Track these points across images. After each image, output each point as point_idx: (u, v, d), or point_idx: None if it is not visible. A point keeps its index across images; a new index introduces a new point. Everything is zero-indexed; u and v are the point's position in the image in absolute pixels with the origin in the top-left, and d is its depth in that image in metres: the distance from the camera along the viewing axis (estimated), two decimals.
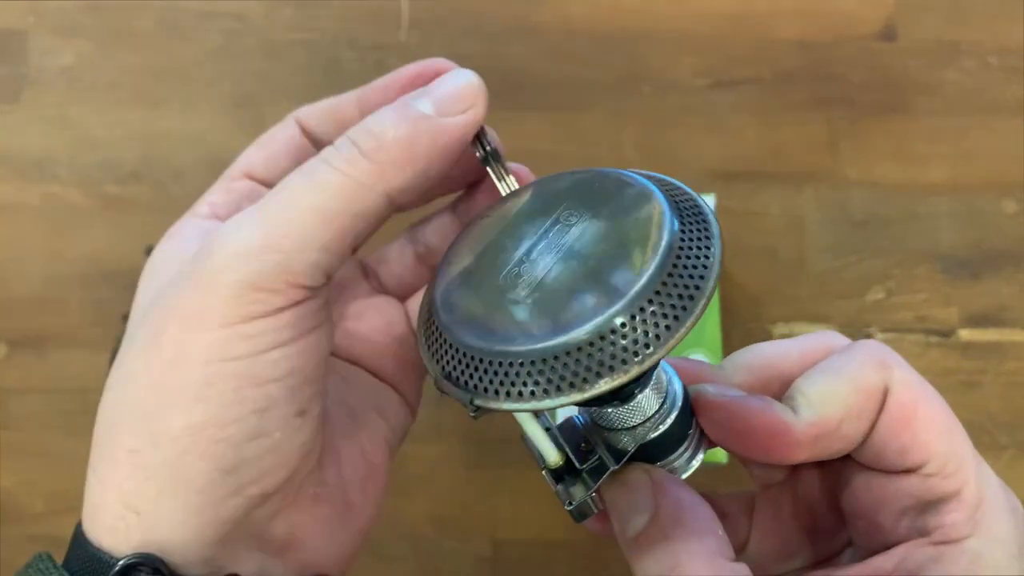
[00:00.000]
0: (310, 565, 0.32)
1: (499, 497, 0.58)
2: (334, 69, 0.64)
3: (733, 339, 0.57)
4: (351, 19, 0.65)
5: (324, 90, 0.64)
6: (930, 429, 0.30)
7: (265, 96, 0.64)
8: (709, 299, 0.26)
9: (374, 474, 0.34)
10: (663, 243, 0.27)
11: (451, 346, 0.29)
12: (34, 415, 0.59)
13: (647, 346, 0.26)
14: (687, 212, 0.29)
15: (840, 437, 0.31)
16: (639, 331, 0.26)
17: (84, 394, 0.58)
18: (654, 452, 0.32)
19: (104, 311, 0.60)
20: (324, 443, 0.32)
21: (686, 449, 0.33)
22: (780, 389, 0.32)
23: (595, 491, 0.31)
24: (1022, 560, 0.30)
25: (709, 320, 0.54)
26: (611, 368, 0.26)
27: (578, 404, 0.28)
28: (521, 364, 0.27)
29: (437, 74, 0.33)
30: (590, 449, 0.32)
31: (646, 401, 0.31)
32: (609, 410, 0.31)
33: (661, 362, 0.32)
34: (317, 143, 0.37)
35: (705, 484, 0.33)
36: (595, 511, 0.32)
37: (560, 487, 0.32)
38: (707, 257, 0.27)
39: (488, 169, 0.35)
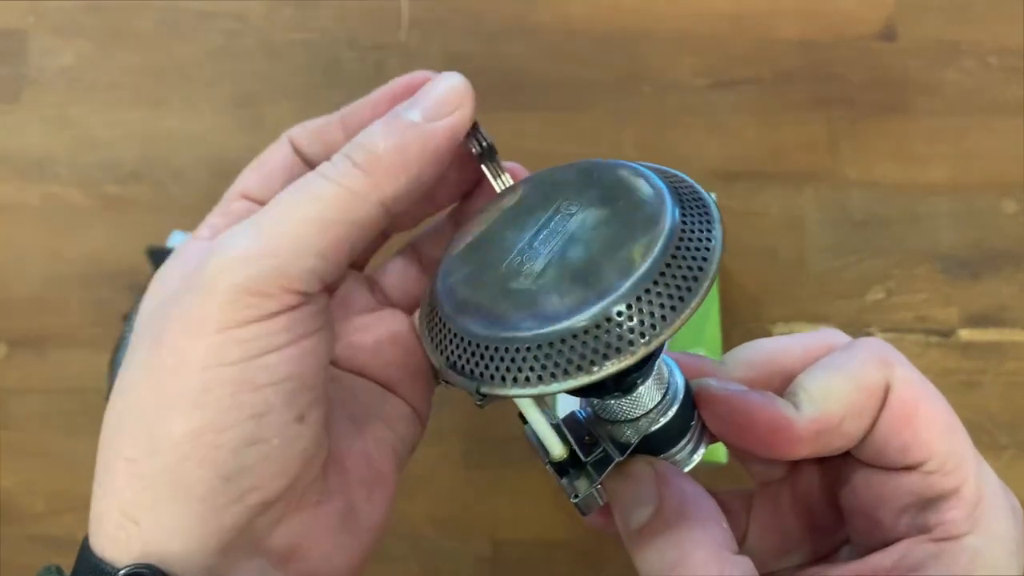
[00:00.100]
0: (315, 574, 0.32)
1: (499, 497, 0.58)
2: (334, 69, 0.64)
3: (733, 339, 0.57)
4: (351, 19, 0.65)
5: (324, 90, 0.65)
6: (931, 427, 0.30)
7: (265, 96, 0.64)
8: (712, 281, 0.27)
9: (380, 483, 0.34)
10: (665, 227, 0.27)
11: (455, 335, 0.29)
12: (34, 415, 0.59)
13: (653, 327, 0.26)
14: (687, 198, 0.29)
15: (841, 434, 0.31)
16: (645, 313, 0.26)
17: (84, 394, 0.58)
18: (657, 444, 0.32)
19: (104, 311, 0.60)
20: (328, 451, 0.32)
21: (688, 441, 0.33)
22: (782, 385, 0.32)
23: (599, 483, 0.31)
24: (1020, 557, 0.30)
25: (709, 320, 0.54)
26: (618, 350, 0.26)
27: (584, 390, 0.28)
28: (528, 349, 0.27)
29: (422, 84, 0.34)
30: (594, 442, 0.32)
31: (647, 393, 0.31)
32: (611, 402, 0.31)
33: (663, 356, 0.32)
34: (309, 163, 0.37)
35: (705, 484, 0.33)
36: (600, 504, 0.32)
37: (565, 480, 0.32)
38: (709, 240, 0.28)
39: (484, 168, 0.35)
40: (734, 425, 0.32)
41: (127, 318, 0.57)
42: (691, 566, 0.29)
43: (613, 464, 0.31)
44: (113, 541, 0.29)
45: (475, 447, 0.58)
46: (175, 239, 0.59)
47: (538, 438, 0.32)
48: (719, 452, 0.47)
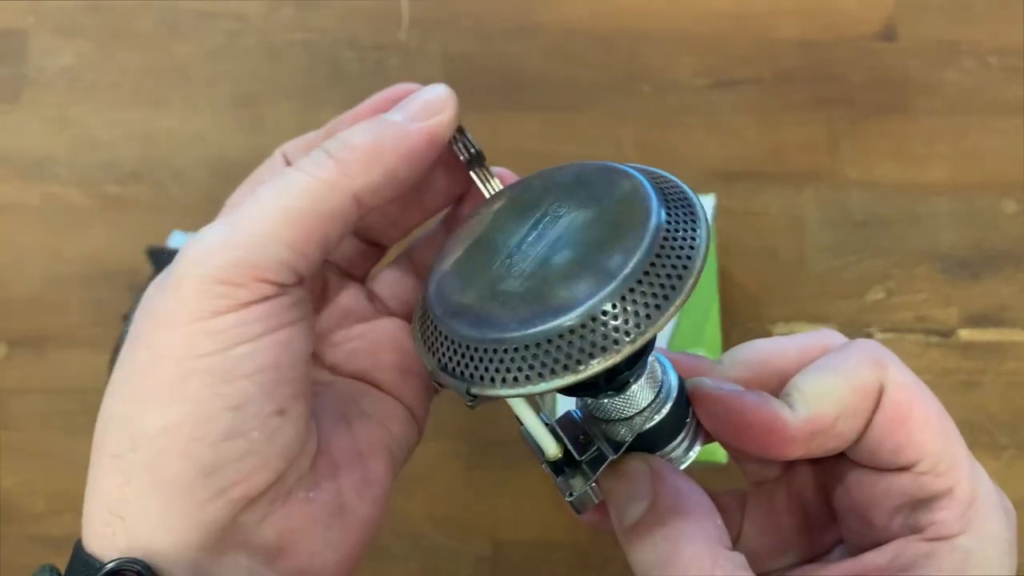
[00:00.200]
0: (304, 572, 0.32)
1: (499, 497, 0.58)
2: (334, 69, 0.65)
3: (733, 339, 0.57)
4: (351, 19, 0.65)
5: (324, 90, 0.65)
6: (924, 428, 0.30)
7: (265, 96, 0.64)
8: (696, 279, 0.27)
9: (372, 481, 0.34)
10: (650, 227, 0.28)
11: (446, 338, 0.29)
12: (34, 415, 0.59)
13: (638, 325, 0.26)
14: (672, 197, 0.29)
15: (835, 435, 0.31)
16: (630, 312, 0.26)
17: (84, 394, 0.58)
18: (651, 442, 0.33)
19: (104, 311, 0.60)
20: (318, 448, 0.33)
21: (683, 439, 0.33)
22: (777, 385, 0.32)
23: (594, 481, 0.31)
24: (1012, 557, 0.30)
25: (709, 320, 0.54)
26: (603, 349, 0.26)
27: (576, 389, 0.29)
28: (516, 350, 0.27)
29: (408, 94, 0.34)
30: (588, 441, 0.32)
31: (641, 392, 0.32)
32: (605, 401, 0.32)
33: (656, 354, 0.33)
34: None
35: (700, 483, 0.33)
36: (595, 502, 0.32)
37: (560, 479, 0.32)
38: (693, 239, 0.28)
39: (472, 174, 0.36)
40: (728, 424, 0.32)
41: (127, 318, 0.58)
42: (684, 560, 0.29)
43: (608, 462, 0.31)
44: (100, 538, 0.29)
45: (476, 447, 0.58)
46: (175, 239, 0.59)
47: (533, 438, 0.32)
48: (718, 452, 0.47)
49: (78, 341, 0.60)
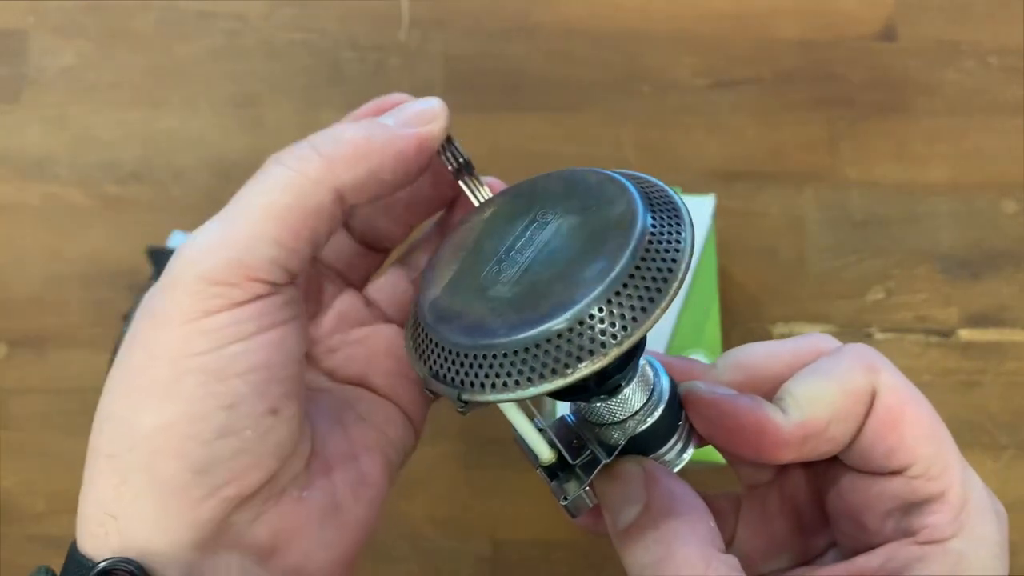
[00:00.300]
0: (298, 571, 0.32)
1: (499, 497, 0.58)
2: (334, 69, 0.65)
3: (733, 339, 0.57)
4: (351, 19, 0.65)
5: (324, 90, 0.65)
6: (916, 432, 0.31)
7: (265, 96, 0.64)
8: (681, 283, 0.27)
9: (368, 483, 0.35)
10: (635, 232, 0.28)
11: (437, 345, 0.30)
12: (34, 415, 0.59)
13: (625, 328, 0.27)
14: (657, 202, 0.30)
15: (827, 439, 0.31)
16: (616, 315, 0.27)
17: (84, 394, 0.57)
18: (644, 445, 0.33)
19: (104, 311, 0.60)
20: (312, 449, 0.33)
21: (676, 442, 0.34)
22: (770, 390, 0.32)
23: (588, 485, 0.32)
24: (1004, 560, 0.30)
25: (709, 320, 0.54)
26: (591, 352, 0.27)
27: (566, 393, 0.29)
28: (504, 355, 0.27)
29: (399, 103, 0.35)
30: (582, 445, 0.33)
31: (633, 395, 0.32)
32: (597, 405, 0.32)
33: (648, 357, 0.33)
34: None
35: (703, 484, 0.33)
36: (589, 505, 0.32)
37: (554, 483, 0.32)
38: (678, 243, 0.28)
39: (461, 183, 0.36)
40: (721, 428, 0.32)
41: (127, 318, 0.58)
42: (678, 562, 0.29)
43: (601, 465, 0.32)
44: (93, 537, 0.29)
45: (473, 445, 0.58)
46: (175, 239, 0.59)
47: (526, 443, 0.32)
48: (717, 453, 0.47)
49: (78, 341, 0.60)
